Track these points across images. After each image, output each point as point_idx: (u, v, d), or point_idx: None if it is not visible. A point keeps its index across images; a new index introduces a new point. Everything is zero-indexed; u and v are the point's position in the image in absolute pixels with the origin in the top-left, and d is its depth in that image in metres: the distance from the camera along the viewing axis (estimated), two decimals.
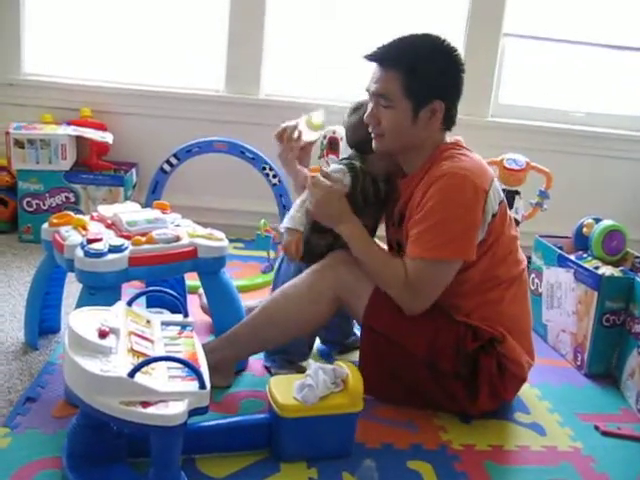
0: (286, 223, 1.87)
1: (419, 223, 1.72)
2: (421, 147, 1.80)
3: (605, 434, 1.84)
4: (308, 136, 2.07)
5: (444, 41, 1.77)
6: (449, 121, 1.81)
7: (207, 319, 2.19)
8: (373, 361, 1.79)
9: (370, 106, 1.80)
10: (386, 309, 1.77)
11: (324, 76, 3.33)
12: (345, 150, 2.90)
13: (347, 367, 1.62)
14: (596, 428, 1.86)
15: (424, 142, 1.80)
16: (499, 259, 1.81)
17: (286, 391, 1.57)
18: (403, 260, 1.75)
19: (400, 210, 1.86)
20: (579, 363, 2.20)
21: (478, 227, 1.72)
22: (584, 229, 2.42)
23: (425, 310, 1.75)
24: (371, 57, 1.78)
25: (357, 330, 2.06)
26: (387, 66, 1.74)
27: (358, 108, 1.90)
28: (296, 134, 2.03)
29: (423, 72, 1.73)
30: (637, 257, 2.34)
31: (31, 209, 2.90)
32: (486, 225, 1.73)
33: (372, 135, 1.83)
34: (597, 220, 2.42)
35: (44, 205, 2.90)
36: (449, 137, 1.85)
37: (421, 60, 1.73)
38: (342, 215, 1.81)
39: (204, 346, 1.59)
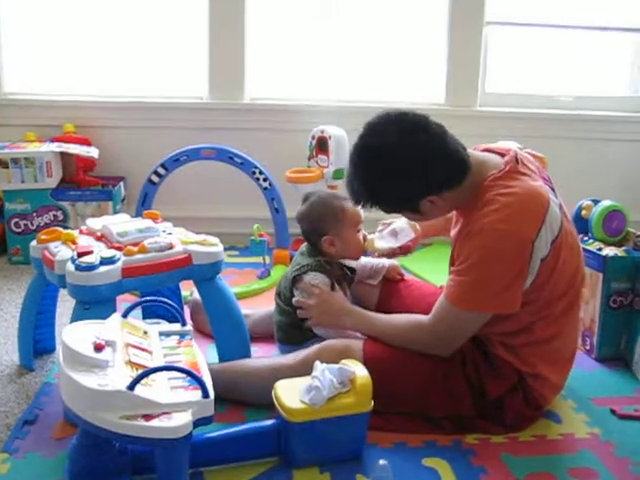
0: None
1: (459, 274, 1.64)
2: (461, 197, 1.69)
3: (622, 417, 1.79)
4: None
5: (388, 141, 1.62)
6: (451, 183, 1.65)
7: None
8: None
9: None
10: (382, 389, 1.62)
11: (308, 77, 3.28)
12: (335, 149, 2.89)
13: (353, 365, 1.57)
14: (612, 412, 1.81)
15: (458, 198, 1.69)
16: (556, 295, 1.69)
17: (293, 395, 1.52)
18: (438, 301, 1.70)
19: (453, 235, 1.80)
20: (588, 347, 2.16)
21: (522, 279, 1.61)
22: (583, 211, 2.37)
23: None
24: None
25: None
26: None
27: (307, 198, 1.98)
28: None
29: (383, 199, 1.70)
30: (639, 236, 2.30)
31: (19, 230, 2.84)
32: (534, 272, 1.62)
33: None
34: (595, 202, 2.37)
35: (32, 225, 2.83)
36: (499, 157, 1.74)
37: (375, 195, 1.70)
38: (340, 311, 1.85)
39: None
